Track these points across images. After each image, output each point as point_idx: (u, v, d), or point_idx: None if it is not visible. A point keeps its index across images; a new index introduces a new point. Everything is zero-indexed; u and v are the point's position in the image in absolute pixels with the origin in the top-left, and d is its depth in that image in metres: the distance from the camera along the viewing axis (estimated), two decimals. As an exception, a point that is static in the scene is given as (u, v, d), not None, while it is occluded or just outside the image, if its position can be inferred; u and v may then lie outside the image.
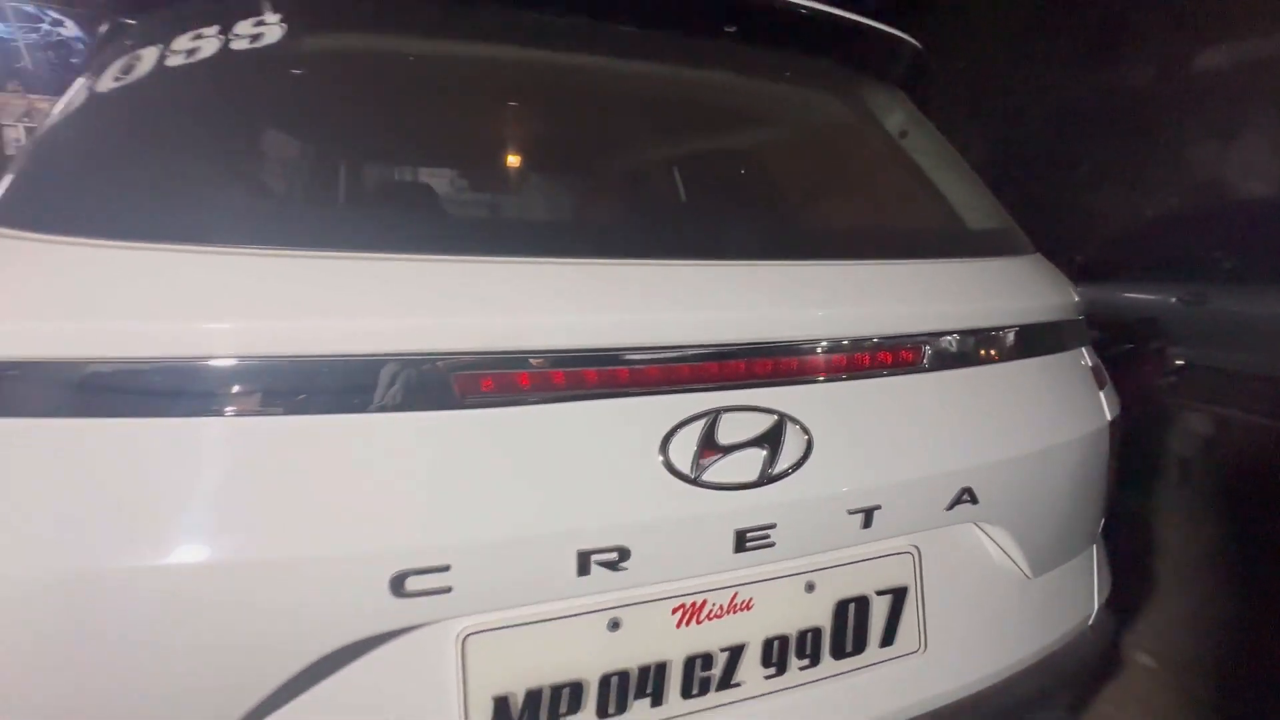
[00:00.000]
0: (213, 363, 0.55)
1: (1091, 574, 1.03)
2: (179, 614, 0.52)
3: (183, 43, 0.76)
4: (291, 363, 0.55)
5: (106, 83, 0.73)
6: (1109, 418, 0.97)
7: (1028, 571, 0.91)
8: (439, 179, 1.55)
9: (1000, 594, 0.90)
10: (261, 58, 0.77)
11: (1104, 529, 1.05)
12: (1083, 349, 1.02)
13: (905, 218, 1.14)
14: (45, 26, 7.24)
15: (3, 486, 0.51)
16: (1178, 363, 2.92)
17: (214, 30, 0.77)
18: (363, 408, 0.56)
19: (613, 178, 1.29)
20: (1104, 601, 1.02)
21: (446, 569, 0.57)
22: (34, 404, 0.54)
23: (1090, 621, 0.99)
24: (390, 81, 0.90)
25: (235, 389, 0.55)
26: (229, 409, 0.54)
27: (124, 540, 0.51)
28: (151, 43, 0.76)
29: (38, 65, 7.18)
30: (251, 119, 0.86)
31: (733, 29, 0.99)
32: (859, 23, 1.06)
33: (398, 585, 0.56)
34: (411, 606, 0.57)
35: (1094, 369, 1.02)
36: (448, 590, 0.58)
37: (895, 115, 1.18)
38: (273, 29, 0.79)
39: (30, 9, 7.11)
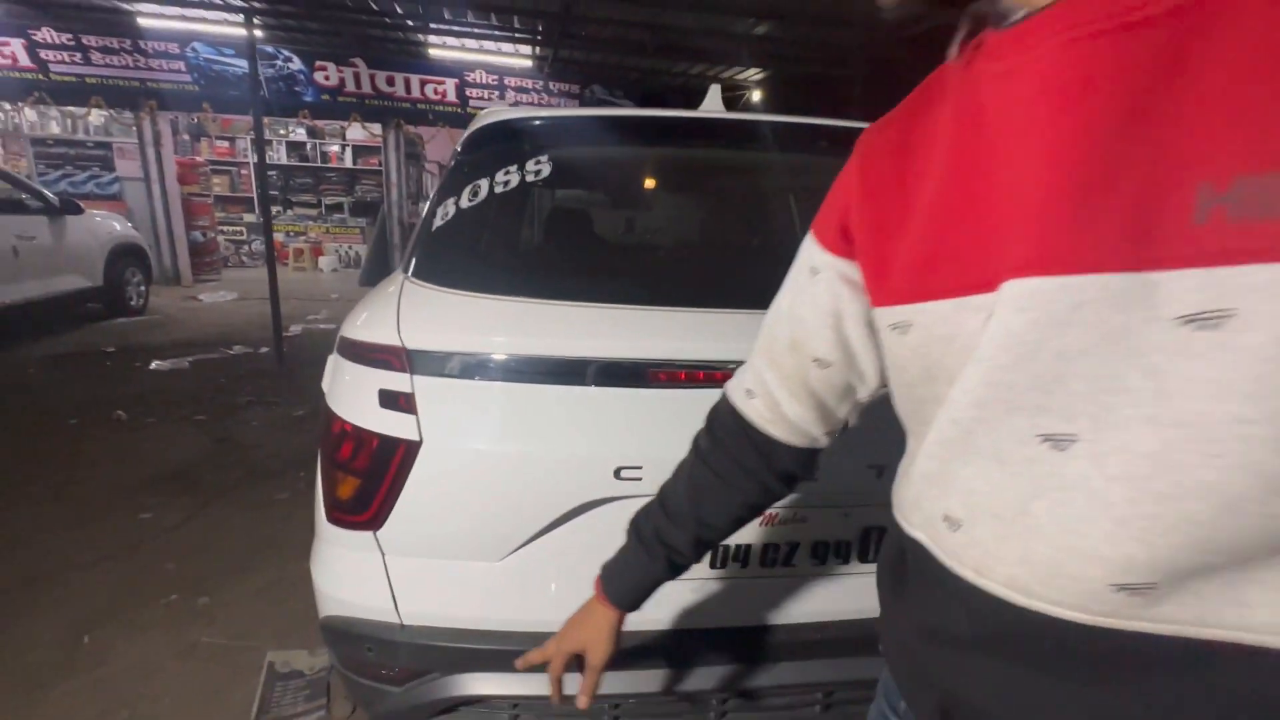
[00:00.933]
0: (539, 358, 1.13)
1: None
2: (523, 475, 1.12)
3: (500, 176, 1.37)
4: (578, 361, 1.12)
5: (465, 201, 1.35)
6: None
7: None
8: (657, 263, 2.11)
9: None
10: (544, 185, 1.37)
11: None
12: None
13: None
14: (279, 62, 8.95)
15: (464, 412, 1.12)
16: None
17: (514, 168, 1.38)
18: (609, 384, 1.12)
19: (745, 253, 1.81)
20: None
21: (640, 467, 1.12)
22: (454, 371, 1.14)
23: None
24: (621, 203, 1.49)
25: (553, 372, 1.12)
26: (548, 381, 1.12)
27: (504, 438, 1.11)
28: (482, 175, 1.38)
29: (272, 93, 8.91)
30: (544, 223, 1.48)
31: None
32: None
33: (617, 473, 1.12)
34: (621, 486, 1.13)
35: None
36: (640, 479, 1.13)
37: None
38: (544, 166, 1.39)
39: (269, 49, 8.82)
